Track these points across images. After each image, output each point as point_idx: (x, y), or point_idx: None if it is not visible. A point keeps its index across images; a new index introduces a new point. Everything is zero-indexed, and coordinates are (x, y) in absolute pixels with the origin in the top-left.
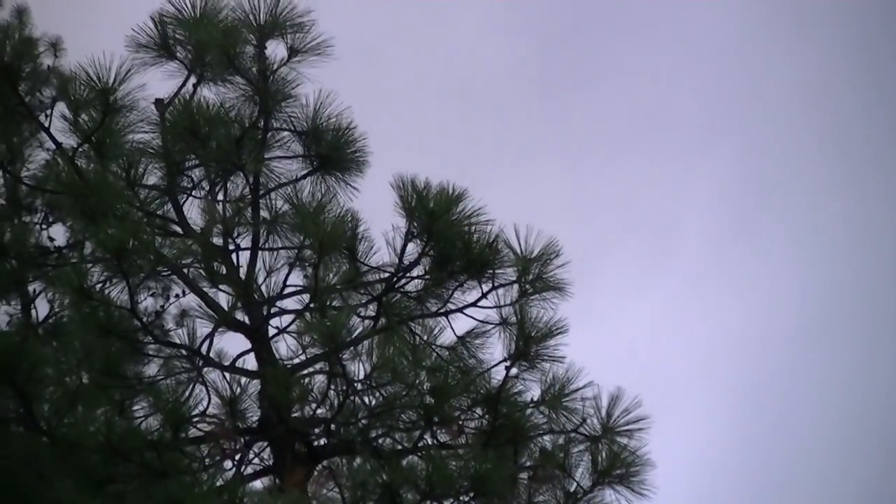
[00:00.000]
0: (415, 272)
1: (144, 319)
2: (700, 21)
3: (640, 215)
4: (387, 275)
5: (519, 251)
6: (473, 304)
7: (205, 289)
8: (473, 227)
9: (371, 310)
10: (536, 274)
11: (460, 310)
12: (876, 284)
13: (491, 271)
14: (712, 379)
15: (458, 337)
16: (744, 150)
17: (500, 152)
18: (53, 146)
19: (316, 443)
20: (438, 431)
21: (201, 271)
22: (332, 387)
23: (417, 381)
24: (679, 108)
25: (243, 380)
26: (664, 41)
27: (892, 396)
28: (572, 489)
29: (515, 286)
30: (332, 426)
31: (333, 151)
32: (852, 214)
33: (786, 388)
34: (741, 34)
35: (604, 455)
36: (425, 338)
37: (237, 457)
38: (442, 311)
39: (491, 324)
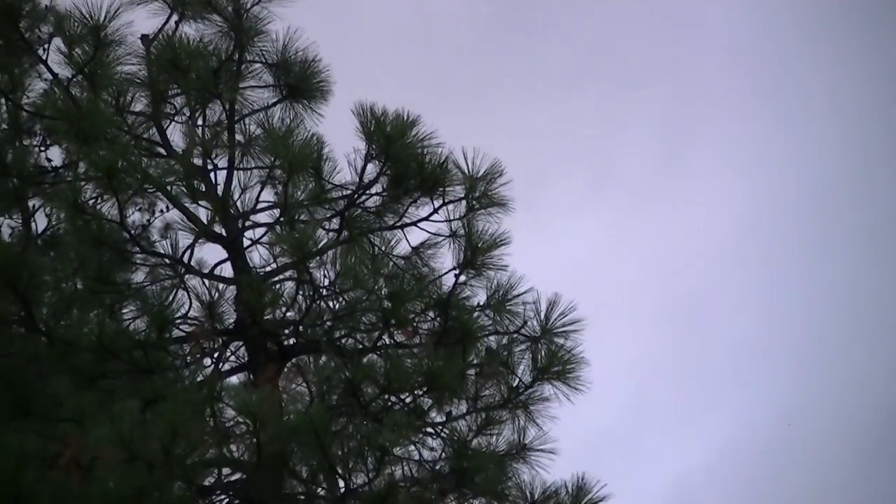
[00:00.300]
0: (374, 190)
1: (132, 232)
2: None
3: (584, 144)
4: (349, 192)
5: (467, 171)
6: (426, 219)
7: (186, 204)
8: (426, 150)
9: (335, 223)
10: (482, 191)
11: (414, 223)
12: (795, 206)
13: (441, 189)
14: (650, 291)
15: (412, 248)
16: (677, 88)
17: (456, 86)
18: (50, 77)
19: (286, 342)
20: (395, 332)
21: (183, 188)
22: (301, 292)
23: (376, 287)
24: (620, 50)
25: (221, 286)
26: None
27: (808, 305)
28: (515, 384)
29: (463, 202)
30: (301, 328)
31: (300, 82)
32: (774, 145)
33: (715, 297)
34: None
35: (543, 354)
36: (383, 248)
37: (215, 355)
38: (398, 224)
39: (442, 236)
